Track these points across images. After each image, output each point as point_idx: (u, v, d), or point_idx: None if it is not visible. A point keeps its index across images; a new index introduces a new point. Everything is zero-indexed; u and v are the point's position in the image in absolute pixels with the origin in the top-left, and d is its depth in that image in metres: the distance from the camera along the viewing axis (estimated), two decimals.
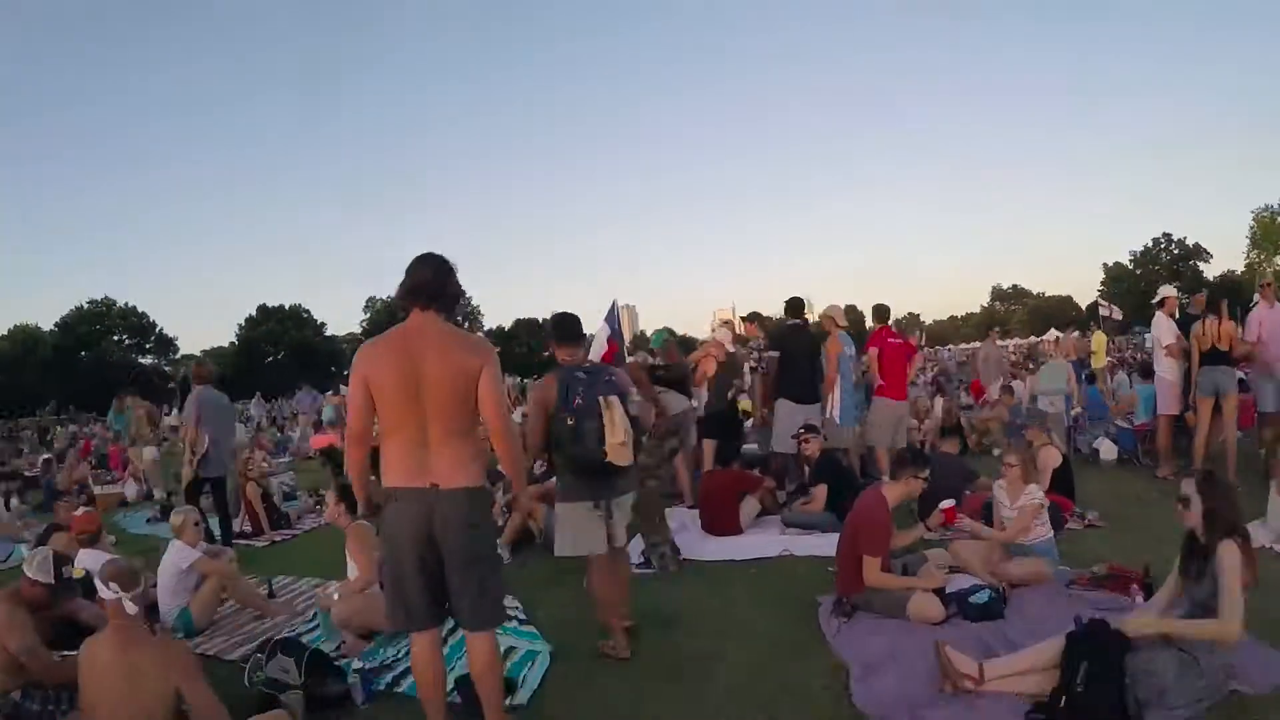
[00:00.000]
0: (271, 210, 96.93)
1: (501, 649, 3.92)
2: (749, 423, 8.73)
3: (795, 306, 7.42)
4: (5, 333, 56.26)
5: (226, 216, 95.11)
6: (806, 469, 6.67)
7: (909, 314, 71.61)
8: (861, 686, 3.37)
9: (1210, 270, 61.57)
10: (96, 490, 11.29)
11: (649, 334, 8.35)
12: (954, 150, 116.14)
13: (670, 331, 7.92)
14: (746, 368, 8.08)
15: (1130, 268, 67.88)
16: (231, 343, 65.12)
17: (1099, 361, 14.36)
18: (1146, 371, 8.90)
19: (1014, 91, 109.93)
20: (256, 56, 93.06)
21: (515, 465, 3.04)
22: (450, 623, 3.11)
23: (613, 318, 8.38)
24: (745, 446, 8.19)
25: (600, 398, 3.56)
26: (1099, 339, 15.04)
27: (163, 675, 2.95)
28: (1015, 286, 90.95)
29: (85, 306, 59.52)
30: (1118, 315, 23.35)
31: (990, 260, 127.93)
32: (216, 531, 6.88)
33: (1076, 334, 18.13)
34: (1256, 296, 8.13)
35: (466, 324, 70.91)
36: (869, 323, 7.65)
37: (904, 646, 3.67)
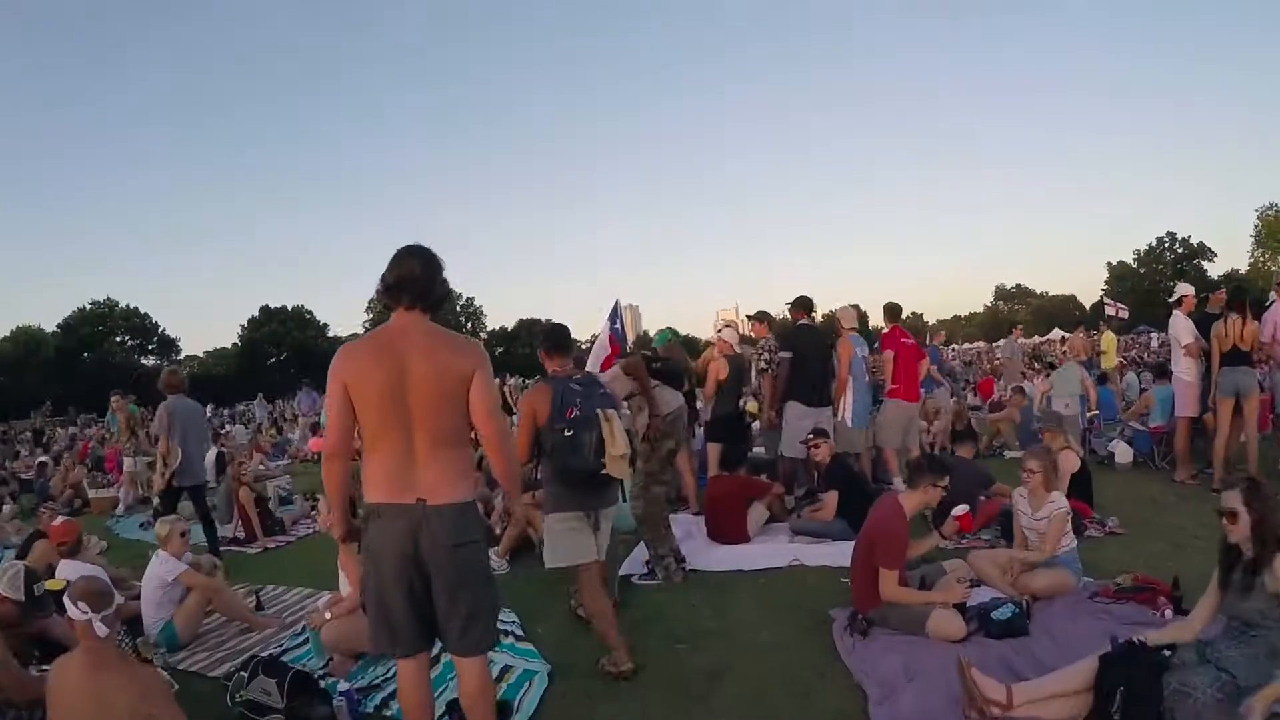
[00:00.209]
0: (274, 211, 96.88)
1: (497, 668, 3.77)
2: (755, 425, 8.52)
3: (805, 304, 7.19)
4: (8, 334, 56.33)
5: (229, 217, 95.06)
6: (816, 474, 6.46)
7: (911, 314, 71.37)
8: (881, 710, 3.18)
9: (1214, 269, 61.39)
10: (91, 494, 11.12)
11: (652, 334, 8.13)
12: (956, 149, 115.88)
13: (674, 332, 7.71)
14: (754, 369, 7.87)
15: (1134, 267, 67.74)
16: (234, 344, 65.12)
17: (1109, 362, 14.13)
18: (1162, 372, 8.71)
19: (1017, 91, 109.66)
20: (258, 57, 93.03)
21: (511, 476, 2.83)
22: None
23: (616, 317, 8.20)
24: (752, 450, 7.96)
25: (599, 411, 3.56)
26: (1109, 339, 14.80)
27: (132, 704, 2.78)
28: (1019, 286, 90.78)
29: (88, 307, 59.54)
30: (1124, 314, 23.15)
31: (993, 259, 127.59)
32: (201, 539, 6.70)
33: (1083, 334, 17.82)
34: (1273, 295, 7.95)
35: (469, 324, 70.92)
36: (871, 322, 7.44)
37: (924, 665, 3.46)
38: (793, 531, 5.96)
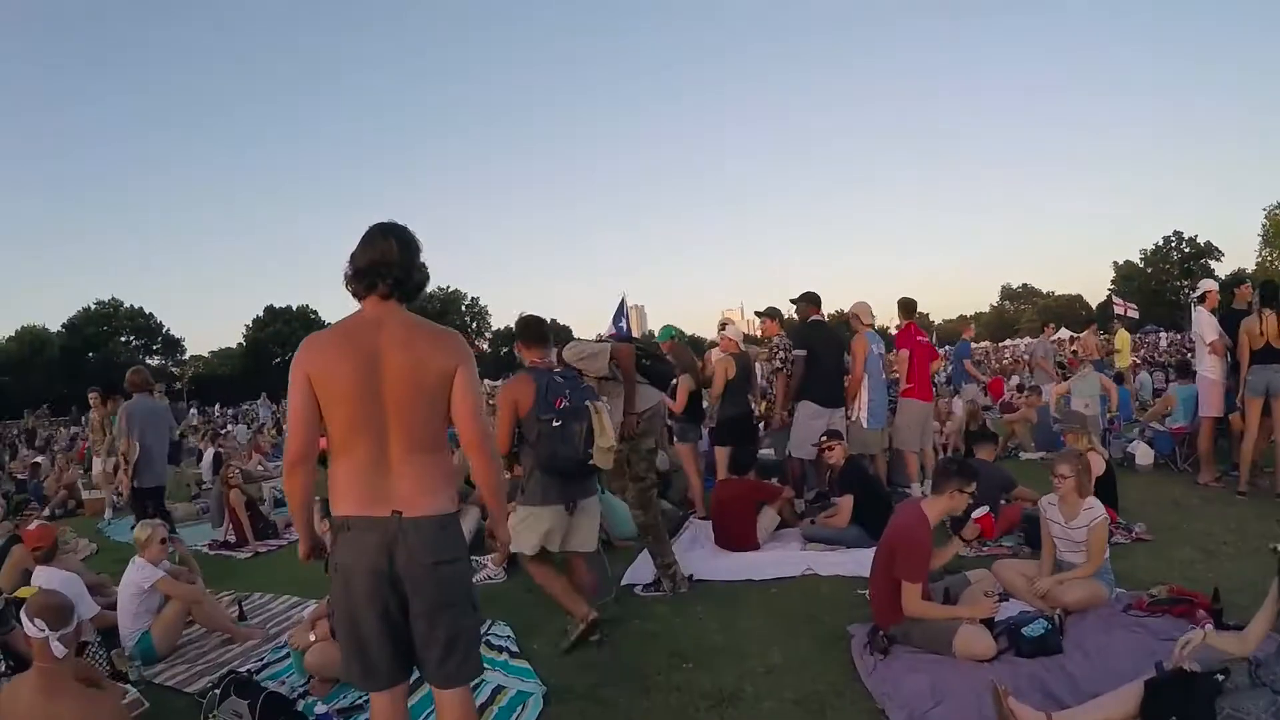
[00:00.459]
0: (279, 211, 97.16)
1: (489, 689, 3.51)
2: (762, 426, 8.26)
3: (814, 299, 6.89)
4: (13, 333, 56.48)
5: (234, 217, 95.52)
6: (828, 476, 6.19)
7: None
8: None
9: (1221, 268, 61.08)
10: (85, 495, 10.98)
11: (656, 333, 7.90)
12: (963, 150, 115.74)
13: (678, 331, 7.46)
14: (760, 368, 7.60)
15: (1141, 266, 67.51)
16: (239, 344, 65.28)
17: (1124, 361, 13.85)
18: (1184, 371, 8.43)
19: (1021, 90, 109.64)
20: (262, 59, 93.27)
21: (495, 489, 2.43)
22: None
23: (621, 316, 7.97)
24: (760, 452, 7.67)
25: (588, 402, 3.66)
26: (1123, 337, 14.54)
27: None
28: (1025, 286, 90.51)
29: (92, 307, 59.74)
30: (1133, 313, 22.85)
31: (998, 259, 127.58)
32: None
33: (1096, 333, 17.49)
34: None
35: (474, 324, 70.85)
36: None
37: (951, 687, 3.19)
38: (805, 538, 5.69)
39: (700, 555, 5.50)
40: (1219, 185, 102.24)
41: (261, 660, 4.16)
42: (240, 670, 3.84)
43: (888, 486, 6.63)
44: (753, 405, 7.04)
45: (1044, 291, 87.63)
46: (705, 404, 7.33)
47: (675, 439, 7.16)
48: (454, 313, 67.30)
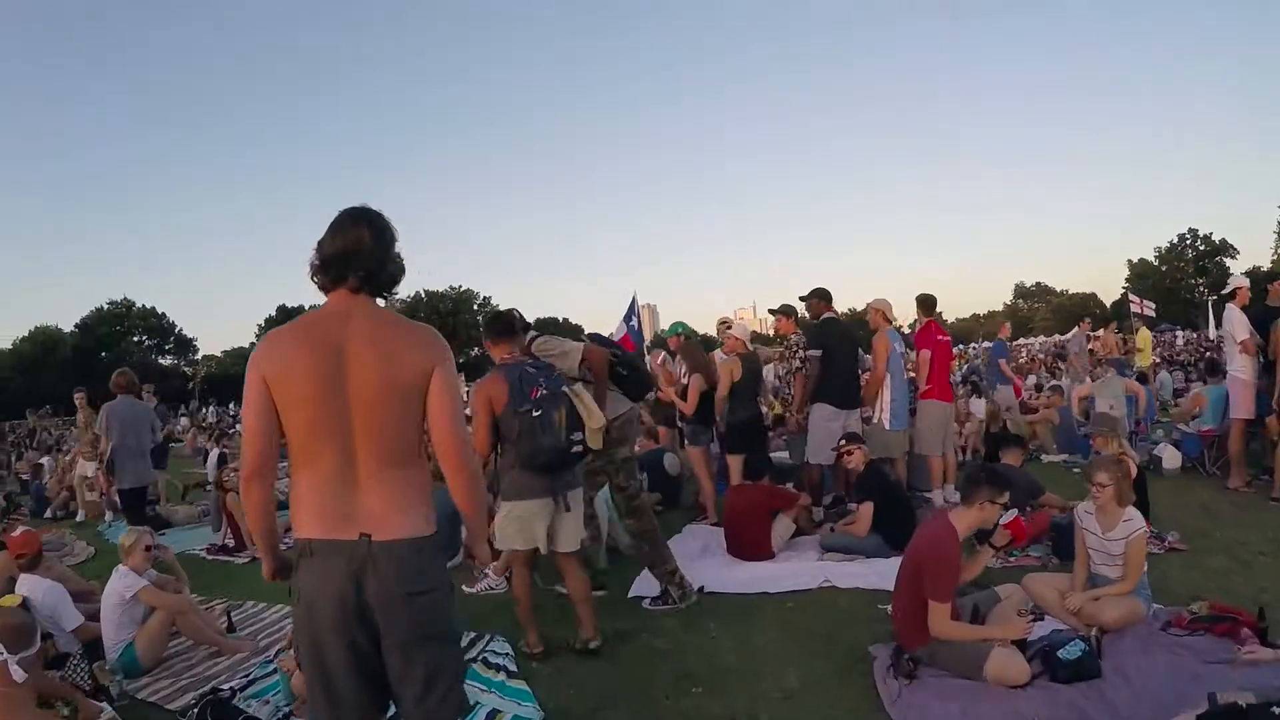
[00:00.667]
0: (290, 210, 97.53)
1: (485, 711, 3.28)
2: (774, 429, 8.00)
3: (826, 295, 6.59)
4: (26, 334, 56.83)
5: (246, 217, 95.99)
6: (846, 481, 5.93)
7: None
8: None
9: (1237, 266, 60.31)
10: (87, 496, 10.84)
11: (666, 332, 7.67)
12: (975, 147, 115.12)
13: (689, 329, 7.20)
14: (770, 370, 7.34)
15: (1156, 264, 66.87)
16: (251, 343, 65.29)
17: (1145, 360, 13.51)
18: (1213, 370, 8.12)
19: (1022, 90, 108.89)
20: (272, 60, 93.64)
21: (475, 502, 2.11)
22: None
23: (633, 315, 7.75)
24: (774, 455, 7.39)
25: (566, 388, 3.66)
26: (1144, 336, 14.19)
27: None
28: (1039, 284, 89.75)
29: (105, 307, 60.06)
30: (1150, 310, 22.41)
31: (1011, 258, 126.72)
32: None
33: (1114, 331, 17.09)
34: None
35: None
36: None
37: (983, 715, 2.95)
38: (822, 547, 5.42)
39: (712, 565, 5.26)
40: (1233, 182, 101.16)
41: (248, 676, 3.93)
42: (223, 688, 3.64)
43: (907, 491, 6.36)
44: (763, 408, 6.75)
45: (1058, 290, 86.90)
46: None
47: (686, 442, 6.91)
48: (466, 312, 67.24)
